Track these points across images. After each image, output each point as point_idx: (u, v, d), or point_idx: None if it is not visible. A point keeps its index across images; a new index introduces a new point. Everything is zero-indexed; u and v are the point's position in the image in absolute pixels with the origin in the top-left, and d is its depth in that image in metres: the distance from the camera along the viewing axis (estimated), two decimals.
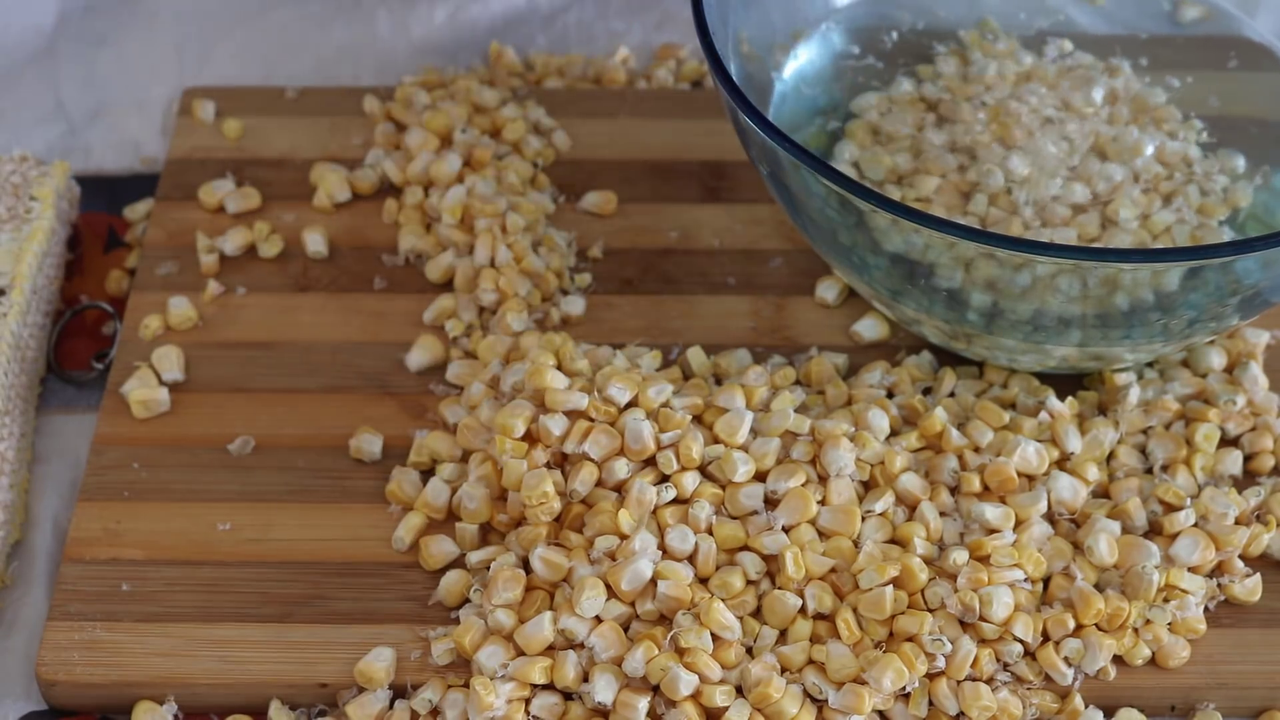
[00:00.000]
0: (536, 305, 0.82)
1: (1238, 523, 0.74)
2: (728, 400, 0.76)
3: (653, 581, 0.70)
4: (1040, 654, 0.71)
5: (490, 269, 0.83)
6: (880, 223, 0.72)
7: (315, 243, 0.85)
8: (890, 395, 0.78)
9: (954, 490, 0.75)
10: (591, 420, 0.74)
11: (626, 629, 0.71)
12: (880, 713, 0.70)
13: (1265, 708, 0.72)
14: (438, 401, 0.80)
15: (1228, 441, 0.78)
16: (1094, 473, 0.75)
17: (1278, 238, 0.68)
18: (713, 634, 0.69)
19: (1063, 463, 0.76)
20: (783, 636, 0.71)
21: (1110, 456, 0.76)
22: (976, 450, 0.76)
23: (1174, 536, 0.73)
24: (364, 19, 0.98)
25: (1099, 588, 0.72)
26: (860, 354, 0.81)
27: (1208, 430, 0.77)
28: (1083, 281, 0.71)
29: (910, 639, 0.70)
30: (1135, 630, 0.72)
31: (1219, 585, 0.73)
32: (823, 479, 0.74)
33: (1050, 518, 0.74)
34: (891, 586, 0.70)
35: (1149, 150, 0.82)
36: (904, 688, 0.69)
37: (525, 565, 0.73)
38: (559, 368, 0.77)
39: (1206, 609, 0.73)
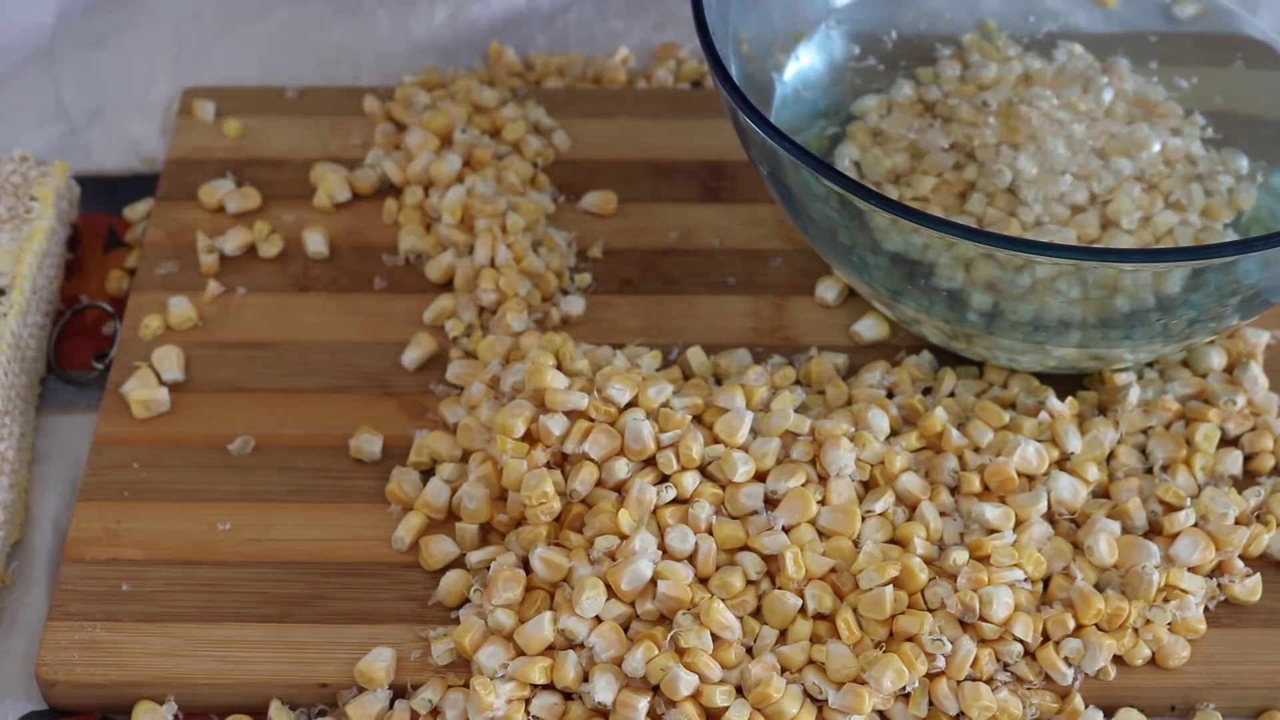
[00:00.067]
0: (536, 305, 0.82)
1: (1238, 523, 0.74)
2: (728, 400, 0.76)
3: (653, 581, 0.70)
4: (1040, 654, 0.71)
5: (490, 269, 0.83)
6: (880, 222, 0.72)
7: (315, 243, 0.85)
8: (890, 395, 0.78)
9: (954, 490, 0.75)
10: (591, 420, 0.74)
11: (626, 629, 0.71)
12: (880, 713, 0.70)
13: (1265, 708, 0.72)
14: (438, 401, 0.80)
15: (1228, 441, 0.78)
16: (1094, 473, 0.75)
17: (1278, 238, 0.68)
18: (713, 634, 0.69)
19: (1063, 463, 0.76)
20: (783, 636, 0.71)
21: (1110, 456, 0.76)
22: (976, 450, 0.76)
23: (1174, 536, 0.73)
24: (364, 19, 0.98)
25: (1099, 588, 0.72)
26: (860, 354, 0.81)
27: (1208, 430, 0.77)
28: (1083, 282, 0.71)
29: (910, 639, 0.70)
30: (1135, 630, 0.72)
31: (1219, 585, 0.73)
32: (823, 479, 0.74)
33: (1050, 518, 0.74)
34: (891, 586, 0.70)
35: (1155, 146, 0.82)
36: (904, 688, 0.69)
37: (525, 565, 0.73)
38: (559, 368, 0.77)
39: (1206, 609, 0.73)
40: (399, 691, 0.71)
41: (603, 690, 0.69)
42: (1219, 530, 0.73)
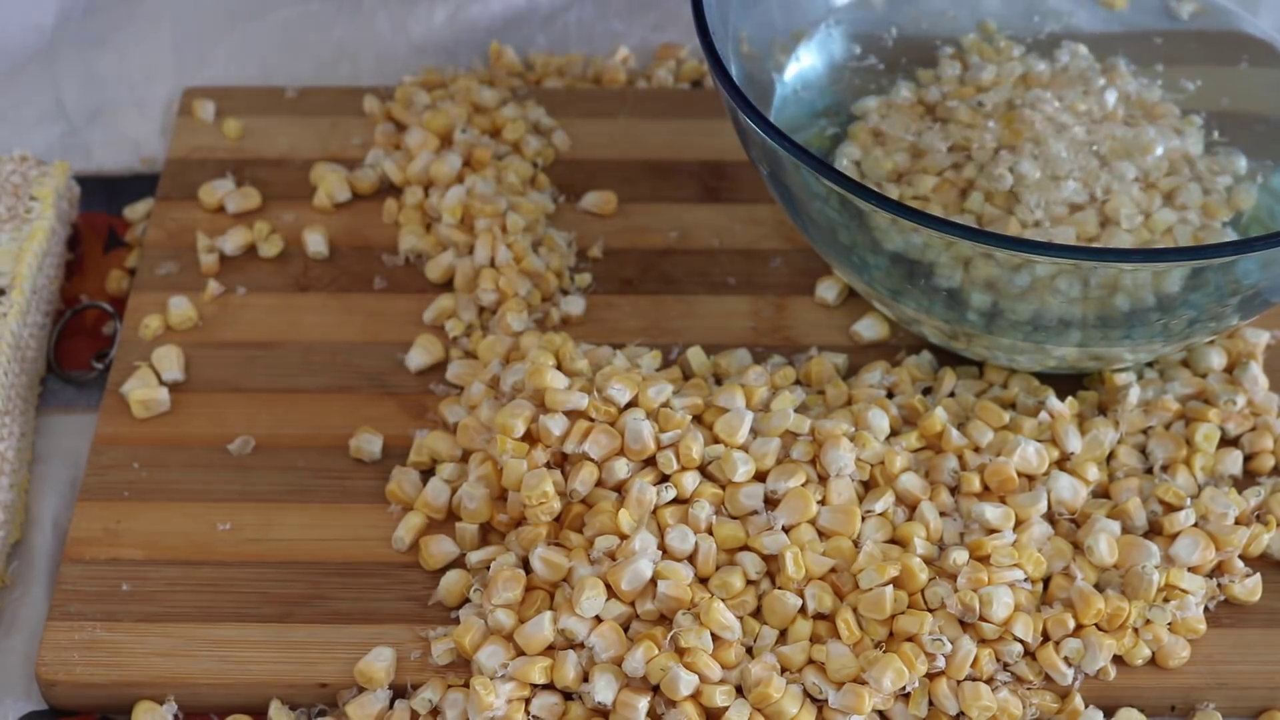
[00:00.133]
0: (536, 305, 0.82)
1: (1238, 523, 0.74)
2: (728, 400, 0.76)
3: (653, 581, 0.70)
4: (1040, 654, 0.71)
5: (490, 269, 0.83)
6: (880, 222, 0.72)
7: (315, 243, 0.85)
8: (890, 395, 0.78)
9: (954, 490, 0.75)
10: (591, 420, 0.74)
11: (626, 629, 0.71)
12: (880, 713, 0.70)
13: (1265, 708, 0.72)
14: (438, 401, 0.80)
15: (1228, 441, 0.78)
16: (1094, 473, 0.75)
17: (1278, 238, 0.68)
18: (713, 634, 0.69)
19: (1063, 463, 0.76)
20: (783, 636, 0.71)
21: (1110, 456, 0.76)
22: (976, 450, 0.76)
23: (1174, 536, 0.73)
24: (364, 19, 0.98)
25: (1099, 588, 0.72)
26: (860, 354, 0.81)
27: (1208, 430, 0.77)
28: (1082, 281, 0.71)
29: (910, 639, 0.70)
30: (1135, 630, 0.72)
31: (1219, 585, 0.73)
32: (823, 479, 0.74)
33: (1050, 518, 0.74)
34: (891, 586, 0.70)
35: (1159, 150, 0.82)
36: (904, 688, 0.69)
37: (525, 565, 0.73)
38: (559, 368, 0.77)
39: (1206, 609, 0.73)
40: (399, 691, 0.71)
41: (603, 690, 0.69)
42: (1219, 530, 0.73)
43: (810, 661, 0.70)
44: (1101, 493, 0.76)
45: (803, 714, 0.69)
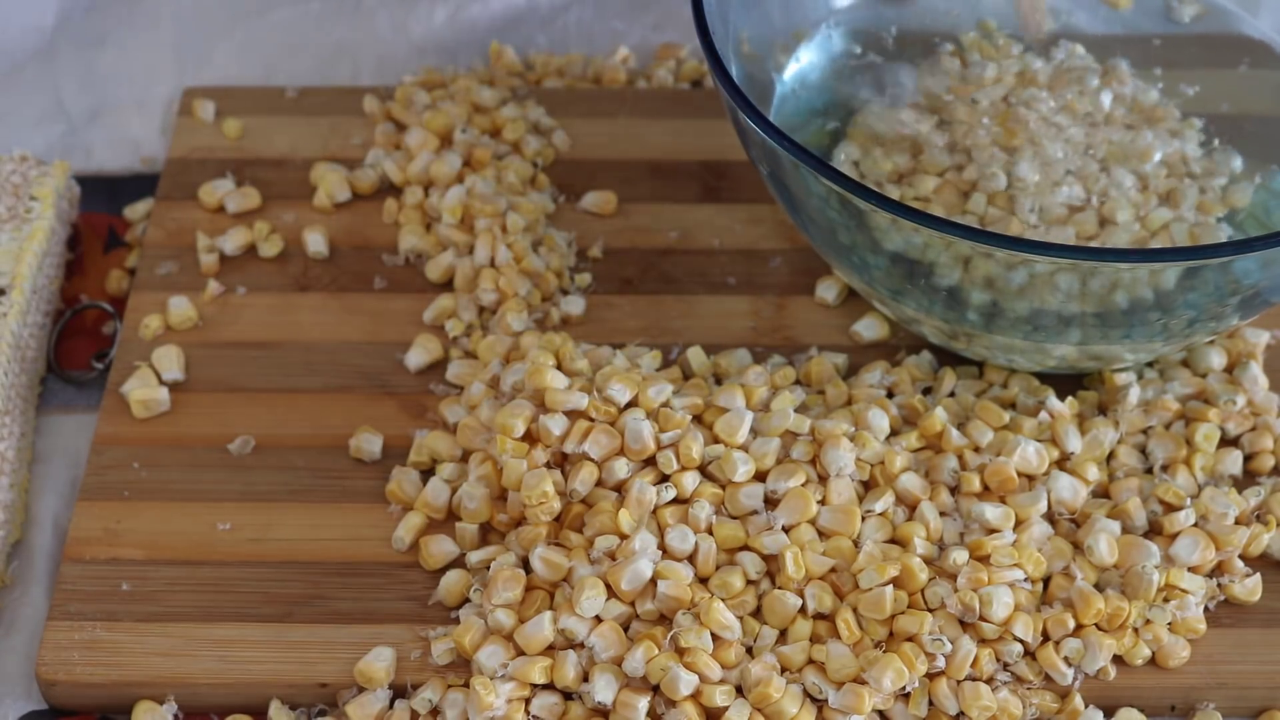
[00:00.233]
0: (536, 305, 0.82)
1: (1238, 523, 0.74)
2: (728, 400, 0.76)
3: (653, 581, 0.70)
4: (1040, 654, 0.71)
5: (490, 269, 0.83)
6: (880, 222, 0.72)
7: (315, 243, 0.85)
8: (890, 395, 0.78)
9: (954, 490, 0.75)
10: (591, 420, 0.74)
11: (626, 629, 0.71)
12: (880, 713, 0.70)
13: (1265, 708, 0.72)
14: (438, 401, 0.80)
15: (1228, 441, 0.78)
16: (1094, 473, 0.75)
17: (1277, 238, 0.68)
18: (713, 634, 0.69)
19: (1063, 463, 0.76)
20: (783, 636, 0.71)
21: (1110, 456, 0.76)
22: (976, 450, 0.76)
23: (1174, 536, 0.73)
24: (364, 19, 0.98)
25: (1099, 588, 0.72)
26: (860, 354, 0.81)
27: (1208, 430, 0.77)
28: (1081, 280, 0.71)
29: (910, 639, 0.70)
30: (1135, 630, 0.72)
31: (1219, 585, 0.73)
32: (823, 479, 0.74)
33: (1050, 518, 0.74)
34: (891, 586, 0.70)
35: (1157, 156, 0.82)
36: (904, 688, 0.69)
37: (525, 565, 0.73)
38: (559, 368, 0.77)
39: (1206, 609, 0.73)
40: (399, 691, 0.71)
41: (603, 690, 0.69)
42: (1219, 530, 0.73)
43: (810, 661, 0.70)
44: (1101, 493, 0.76)
45: (803, 714, 0.69)
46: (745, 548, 0.72)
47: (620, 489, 0.73)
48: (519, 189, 0.86)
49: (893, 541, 0.73)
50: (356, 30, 0.98)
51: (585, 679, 0.70)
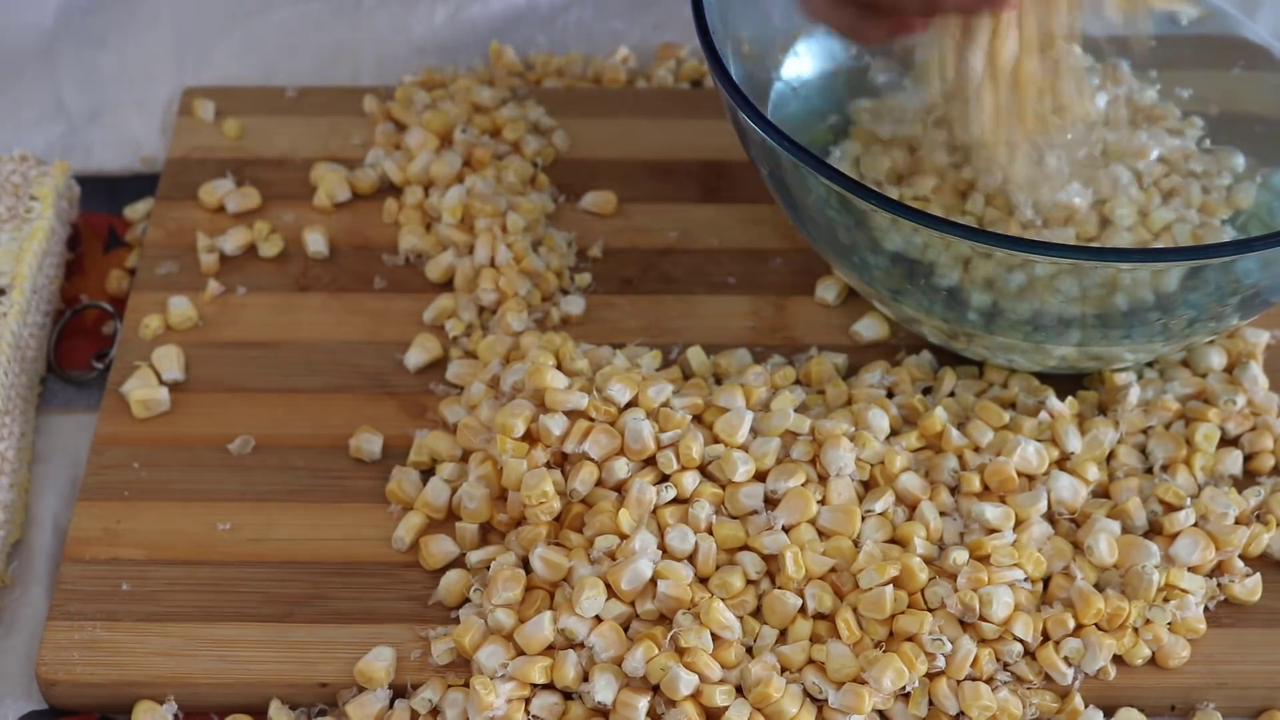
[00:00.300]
0: (536, 305, 0.83)
1: (1238, 523, 0.74)
2: (728, 400, 0.76)
3: (653, 581, 0.70)
4: (1040, 654, 0.71)
5: (490, 269, 0.83)
6: (880, 222, 0.72)
7: (315, 243, 0.85)
8: (890, 395, 0.78)
9: (954, 490, 0.75)
10: (591, 420, 0.74)
11: (626, 629, 0.71)
12: (880, 713, 0.70)
13: (1265, 708, 0.72)
14: (438, 401, 0.80)
15: (1228, 441, 0.78)
16: (1094, 473, 0.75)
17: (1277, 238, 0.68)
18: (713, 634, 0.69)
19: (1063, 463, 0.76)
20: (783, 636, 0.71)
21: (1110, 456, 0.76)
22: (976, 450, 0.76)
23: (1174, 536, 0.73)
24: (364, 19, 0.98)
25: (1099, 588, 0.72)
26: (860, 354, 0.81)
27: (1208, 430, 0.77)
28: (1082, 281, 0.71)
29: (910, 639, 0.70)
30: (1135, 630, 0.72)
31: (1219, 585, 0.73)
32: (823, 479, 0.74)
33: (1050, 518, 0.74)
34: (891, 586, 0.70)
35: (1154, 154, 0.82)
36: (904, 688, 0.69)
37: (525, 565, 0.73)
38: (559, 368, 0.77)
39: (1206, 609, 0.73)
40: (399, 691, 0.71)
41: (603, 690, 0.69)
42: (1219, 530, 0.73)
43: (810, 661, 0.70)
44: (1101, 493, 0.76)
45: (803, 714, 0.69)
46: (745, 548, 0.72)
47: (620, 489, 0.73)
48: (519, 189, 0.86)
49: (893, 541, 0.73)
50: (356, 30, 0.98)
51: (585, 679, 0.70)
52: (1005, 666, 0.71)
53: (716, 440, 0.74)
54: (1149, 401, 0.78)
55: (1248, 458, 0.77)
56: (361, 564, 0.75)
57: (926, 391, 0.79)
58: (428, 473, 0.77)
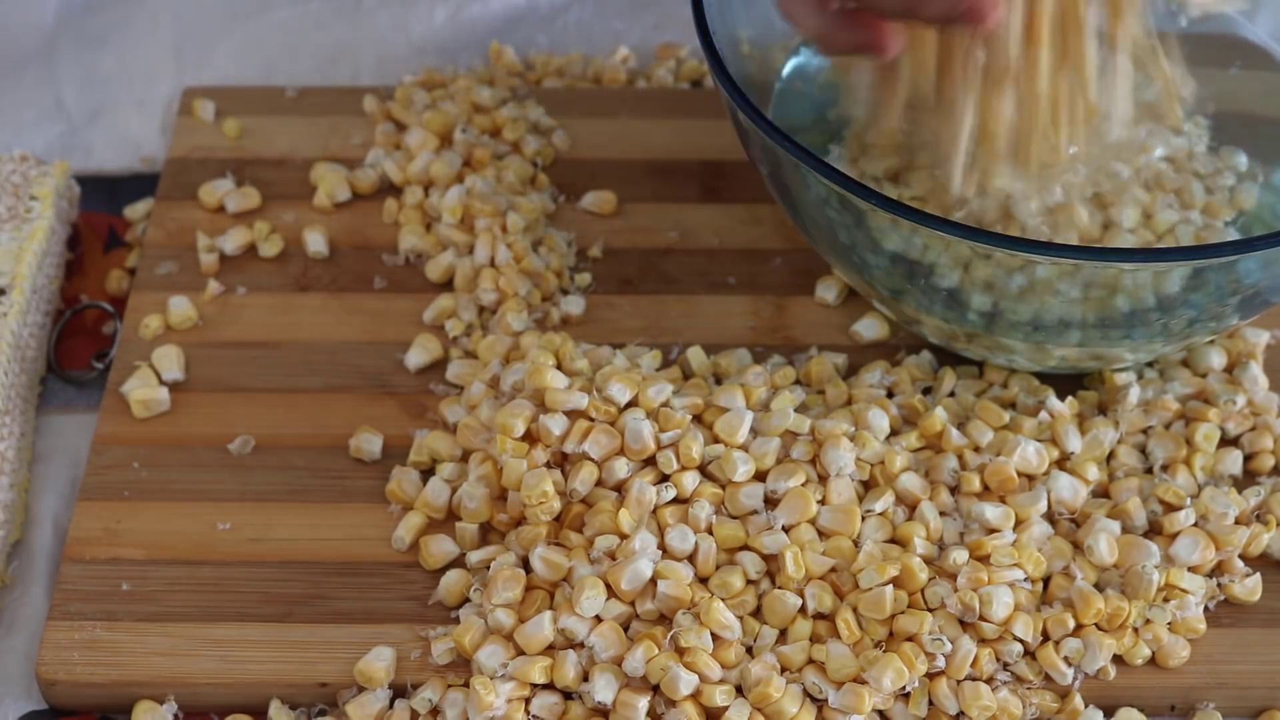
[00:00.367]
0: (536, 305, 0.83)
1: (1238, 522, 0.74)
2: (728, 400, 0.76)
3: (653, 581, 0.70)
4: (1040, 654, 0.71)
5: (490, 269, 0.83)
6: (880, 222, 0.72)
7: (315, 242, 0.85)
8: (890, 395, 0.78)
9: (954, 490, 0.75)
10: (591, 420, 0.74)
11: (626, 629, 0.71)
12: (880, 712, 0.70)
13: (1265, 708, 0.72)
14: (438, 401, 0.80)
15: (1228, 441, 0.78)
16: (1094, 472, 0.75)
17: (1278, 237, 0.68)
18: (713, 634, 0.69)
19: (1063, 462, 0.76)
20: (783, 636, 0.71)
21: (1110, 456, 0.76)
22: (976, 450, 0.76)
23: (1174, 536, 0.73)
24: (364, 19, 0.98)
25: (1099, 587, 0.72)
26: (860, 354, 0.81)
27: (1208, 430, 0.77)
28: (1083, 282, 0.71)
29: (910, 639, 0.70)
30: (1135, 630, 0.72)
31: (1219, 585, 0.73)
32: (823, 479, 0.74)
33: (1050, 517, 0.74)
34: (891, 586, 0.70)
35: (1157, 152, 0.82)
36: (904, 687, 0.69)
37: (525, 565, 0.73)
38: (559, 368, 0.77)
39: (1206, 609, 0.73)
40: (399, 691, 0.71)
41: (603, 690, 0.69)
42: (1219, 530, 0.73)
43: (810, 661, 0.70)
44: (1101, 492, 0.76)
45: (803, 714, 0.69)
46: (745, 547, 0.72)
47: (620, 489, 0.73)
48: (519, 189, 0.86)
49: (893, 541, 0.73)
50: (356, 30, 0.98)
51: (585, 679, 0.70)
52: (1005, 666, 0.71)
53: (716, 440, 0.74)
54: (1149, 401, 0.78)
55: (1248, 458, 0.77)
56: (361, 564, 0.75)
57: (926, 391, 0.79)
58: (428, 473, 0.77)
